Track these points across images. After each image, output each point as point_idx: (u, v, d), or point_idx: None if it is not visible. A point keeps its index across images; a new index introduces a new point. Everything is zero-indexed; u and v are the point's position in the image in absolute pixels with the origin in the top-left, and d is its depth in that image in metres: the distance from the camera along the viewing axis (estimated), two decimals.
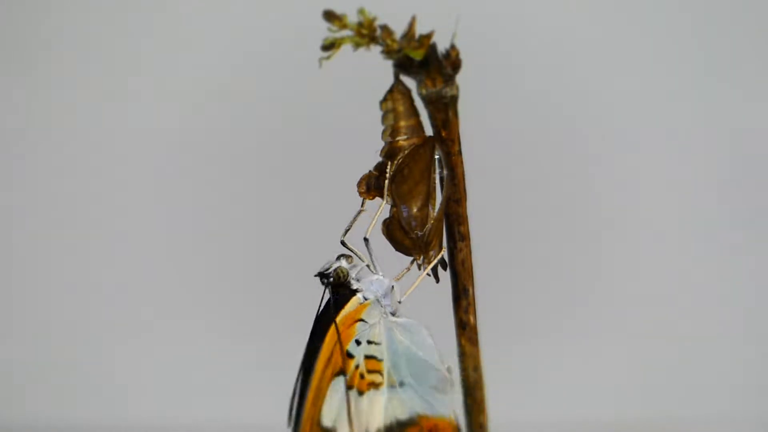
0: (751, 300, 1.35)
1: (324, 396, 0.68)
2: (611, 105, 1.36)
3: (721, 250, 1.35)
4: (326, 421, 0.68)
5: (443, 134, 0.68)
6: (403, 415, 0.69)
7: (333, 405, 0.68)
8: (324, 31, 0.66)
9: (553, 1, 1.35)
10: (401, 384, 0.69)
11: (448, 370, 0.69)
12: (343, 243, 0.70)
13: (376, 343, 0.69)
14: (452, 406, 0.69)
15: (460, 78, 0.67)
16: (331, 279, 0.70)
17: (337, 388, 0.68)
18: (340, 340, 0.68)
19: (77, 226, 1.37)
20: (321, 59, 0.66)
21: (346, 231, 0.69)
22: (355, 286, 0.70)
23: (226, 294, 1.37)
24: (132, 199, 1.37)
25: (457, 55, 0.66)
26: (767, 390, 1.33)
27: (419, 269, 0.70)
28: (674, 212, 1.35)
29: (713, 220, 1.35)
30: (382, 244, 0.70)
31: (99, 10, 1.35)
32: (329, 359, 0.68)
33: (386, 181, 0.68)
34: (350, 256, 0.70)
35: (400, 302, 0.70)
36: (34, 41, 1.36)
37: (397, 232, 0.69)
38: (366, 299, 0.69)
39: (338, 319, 0.69)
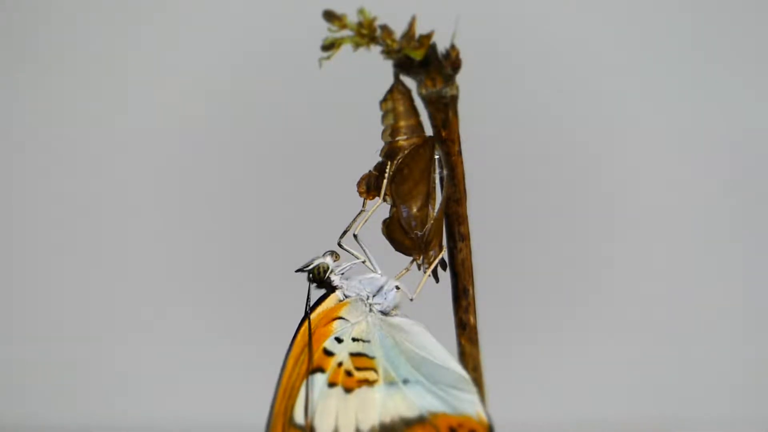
0: (751, 300, 1.35)
1: (297, 393, 0.67)
2: (612, 104, 1.36)
3: (722, 250, 1.35)
4: (300, 418, 0.67)
5: (443, 134, 0.68)
6: (410, 412, 0.68)
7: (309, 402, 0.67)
8: (324, 31, 0.66)
9: (554, 0, 1.35)
10: (405, 381, 0.68)
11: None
12: (339, 245, 0.70)
13: (364, 341, 0.68)
14: (478, 405, 0.68)
15: (460, 78, 0.67)
16: (311, 275, 0.70)
17: (312, 384, 0.67)
18: (310, 338, 0.67)
19: (77, 226, 1.37)
20: (321, 59, 0.66)
21: (345, 233, 0.69)
22: (335, 283, 0.70)
23: (227, 294, 1.37)
24: (132, 199, 1.37)
25: (457, 55, 0.66)
26: (767, 390, 1.33)
27: (419, 269, 0.70)
28: (674, 212, 1.35)
29: (714, 220, 1.35)
30: (382, 244, 0.70)
31: (99, 10, 1.35)
32: (300, 356, 0.68)
33: (384, 181, 0.68)
34: (337, 254, 0.70)
35: (411, 300, 0.70)
36: (34, 41, 1.36)
37: (397, 232, 0.69)
38: (346, 297, 0.69)
39: (313, 316, 0.68)
